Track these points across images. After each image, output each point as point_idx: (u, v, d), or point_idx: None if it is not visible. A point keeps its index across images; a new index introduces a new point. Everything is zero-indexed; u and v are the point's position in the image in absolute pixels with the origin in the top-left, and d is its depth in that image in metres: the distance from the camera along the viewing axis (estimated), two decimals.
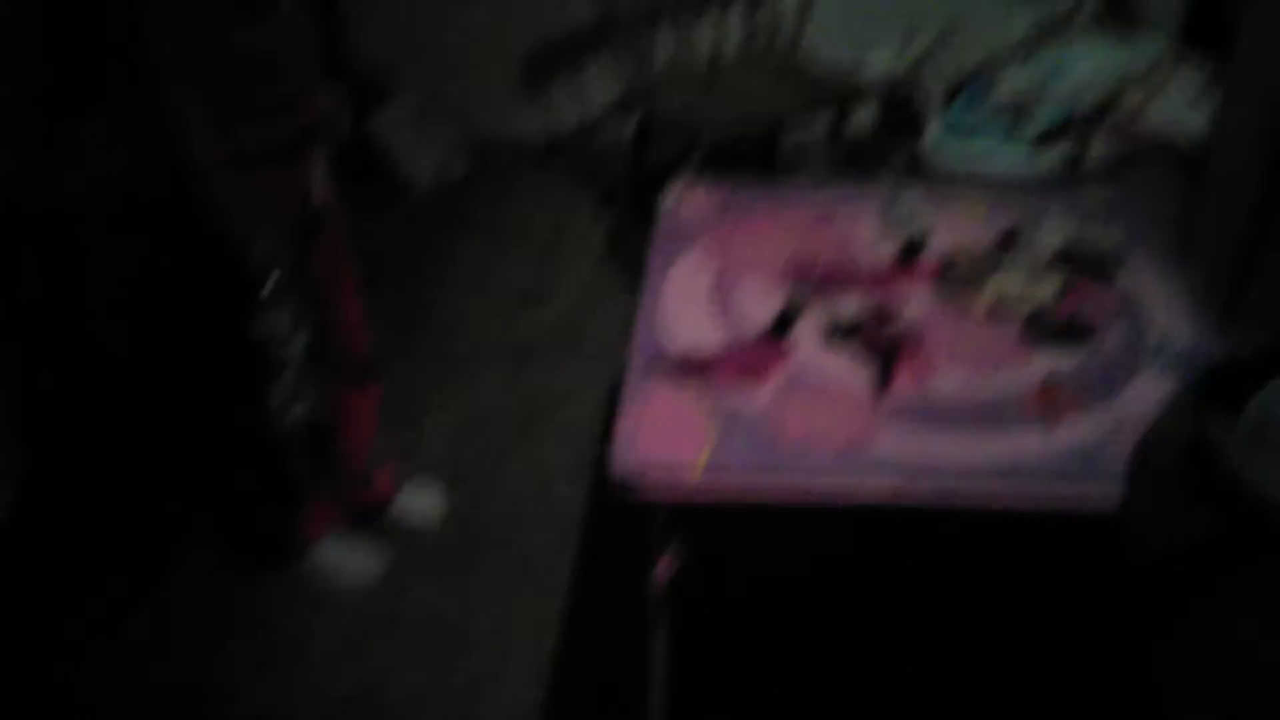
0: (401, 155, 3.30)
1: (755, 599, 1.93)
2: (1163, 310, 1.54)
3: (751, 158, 3.06)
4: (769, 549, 1.99)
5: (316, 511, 2.04)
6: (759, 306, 1.61)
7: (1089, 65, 2.24)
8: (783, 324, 1.57)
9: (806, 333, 1.55)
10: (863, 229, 1.77)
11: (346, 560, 2.06)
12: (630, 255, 2.89)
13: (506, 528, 2.17)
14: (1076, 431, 1.34)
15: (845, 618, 1.90)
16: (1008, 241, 1.70)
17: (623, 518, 2.03)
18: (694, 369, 1.49)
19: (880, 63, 2.60)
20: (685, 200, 1.91)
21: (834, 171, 2.68)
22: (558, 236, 3.08)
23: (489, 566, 2.09)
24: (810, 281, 1.65)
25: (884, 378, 1.45)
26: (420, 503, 2.19)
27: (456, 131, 3.46)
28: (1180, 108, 2.15)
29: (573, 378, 2.54)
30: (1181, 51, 2.29)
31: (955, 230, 1.75)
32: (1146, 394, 1.39)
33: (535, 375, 2.56)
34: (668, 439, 1.38)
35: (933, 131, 2.34)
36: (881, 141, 2.70)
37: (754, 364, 1.50)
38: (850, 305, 1.59)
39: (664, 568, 1.43)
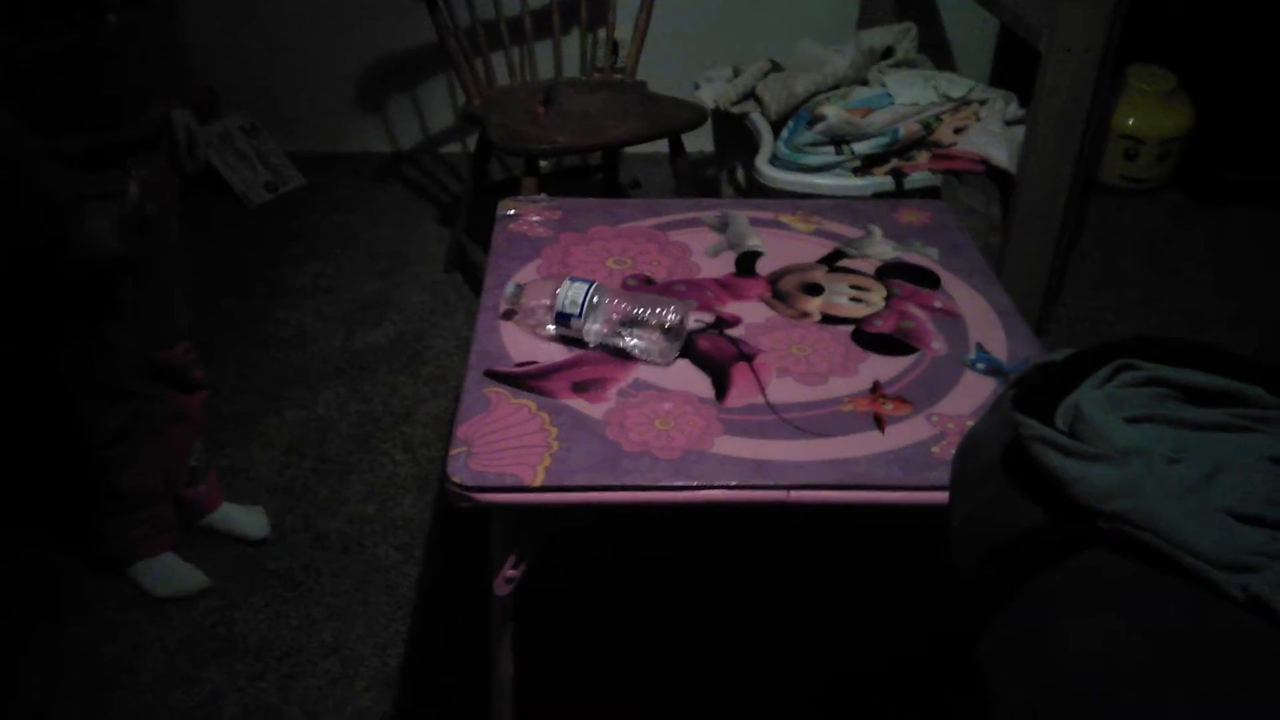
0: (230, 172, 3.20)
1: (597, 599, 1.95)
2: (979, 321, 1.64)
3: (591, 178, 3.11)
4: (611, 550, 2.02)
5: (148, 525, 1.98)
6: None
7: (903, 98, 2.37)
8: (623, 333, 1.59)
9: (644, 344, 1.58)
10: (697, 245, 1.82)
11: (172, 573, 2.01)
12: (471, 272, 2.89)
13: (346, 542, 2.12)
14: (905, 433, 1.41)
15: (688, 614, 1.94)
16: (834, 257, 1.78)
17: (468, 529, 2.03)
18: (531, 379, 1.50)
19: (713, 91, 2.68)
20: (521, 216, 1.92)
21: (673, 192, 2.74)
22: (398, 252, 3.05)
23: (328, 581, 2.04)
24: (648, 295, 1.69)
25: (721, 386, 1.49)
26: (246, 520, 2.14)
27: (289, 149, 3.38)
28: (991, 136, 2.30)
29: (412, 393, 2.51)
30: (991, 86, 2.45)
31: (785, 247, 1.82)
32: (968, 398, 1.47)
33: (374, 390, 2.52)
34: (507, 447, 1.38)
35: (762, 158, 2.43)
36: (716, 164, 2.78)
37: (593, 374, 1.52)
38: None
39: (506, 574, 1.42)
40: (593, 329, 1.55)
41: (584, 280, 1.56)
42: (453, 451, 1.37)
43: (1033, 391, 1.17)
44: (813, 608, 1.97)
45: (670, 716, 1.80)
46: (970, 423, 1.42)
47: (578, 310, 1.54)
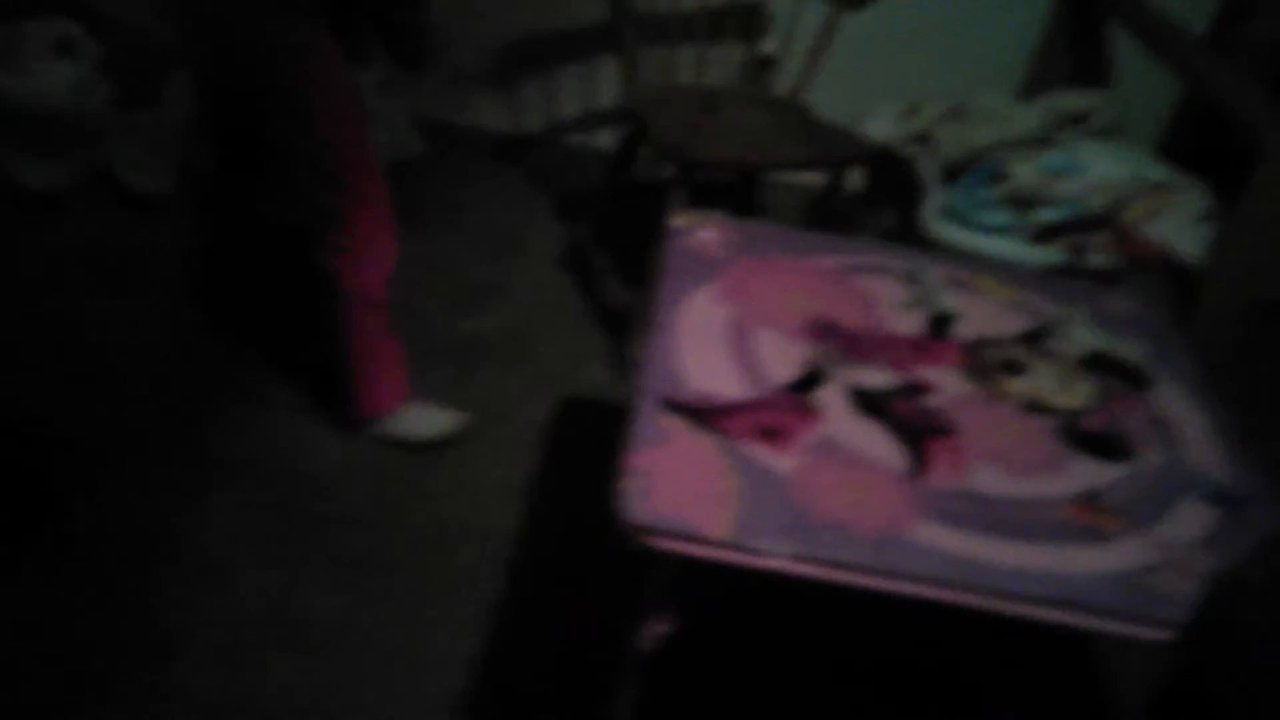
0: None
1: (737, 669, 1.80)
2: (1195, 434, 1.49)
3: (729, 196, 2.96)
4: (764, 619, 1.87)
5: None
6: (780, 361, 1.49)
7: (1097, 170, 2.22)
8: (807, 384, 1.45)
9: (832, 398, 1.44)
10: (886, 296, 1.68)
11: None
12: (588, 271, 2.75)
13: (436, 538, 1.99)
14: (1125, 553, 1.26)
15: (833, 697, 1.78)
16: (1036, 336, 1.63)
17: (559, 551, 1.90)
18: (713, 416, 1.36)
19: (881, 127, 2.53)
20: (694, 232, 1.77)
21: (815, 226, 2.59)
22: (513, 239, 2.90)
23: (407, 577, 1.91)
24: (834, 343, 1.54)
25: (918, 460, 1.35)
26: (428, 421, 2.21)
27: (413, 110, 3.25)
28: (1180, 228, 2.14)
29: (515, 393, 2.37)
30: (1184, 173, 2.29)
31: (981, 315, 1.67)
32: (1190, 525, 1.32)
33: (475, 386, 2.37)
34: (687, 488, 1.24)
35: (932, 207, 2.28)
36: (871, 205, 2.63)
37: (779, 422, 1.37)
38: (878, 375, 1.49)
39: (657, 625, 1.28)
40: None
41: None
42: (626, 482, 1.23)
43: None
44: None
45: None
46: (1197, 554, 1.28)
47: None
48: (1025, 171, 2.15)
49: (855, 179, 2.78)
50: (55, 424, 2.07)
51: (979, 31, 3.00)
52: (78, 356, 2.26)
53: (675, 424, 1.34)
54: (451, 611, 1.85)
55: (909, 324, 1.62)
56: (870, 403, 1.43)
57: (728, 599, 1.83)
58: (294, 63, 1.75)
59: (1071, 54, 2.84)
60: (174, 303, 2.43)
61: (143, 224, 2.52)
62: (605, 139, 3.23)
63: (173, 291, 2.45)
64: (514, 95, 3.31)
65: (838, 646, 1.87)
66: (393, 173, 3.18)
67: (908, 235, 2.34)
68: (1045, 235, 2.17)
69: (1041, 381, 1.52)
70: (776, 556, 1.18)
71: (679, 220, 1.78)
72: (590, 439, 2.23)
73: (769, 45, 2.87)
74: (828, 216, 2.56)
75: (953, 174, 2.34)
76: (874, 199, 2.62)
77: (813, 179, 2.88)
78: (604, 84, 3.15)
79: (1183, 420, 1.52)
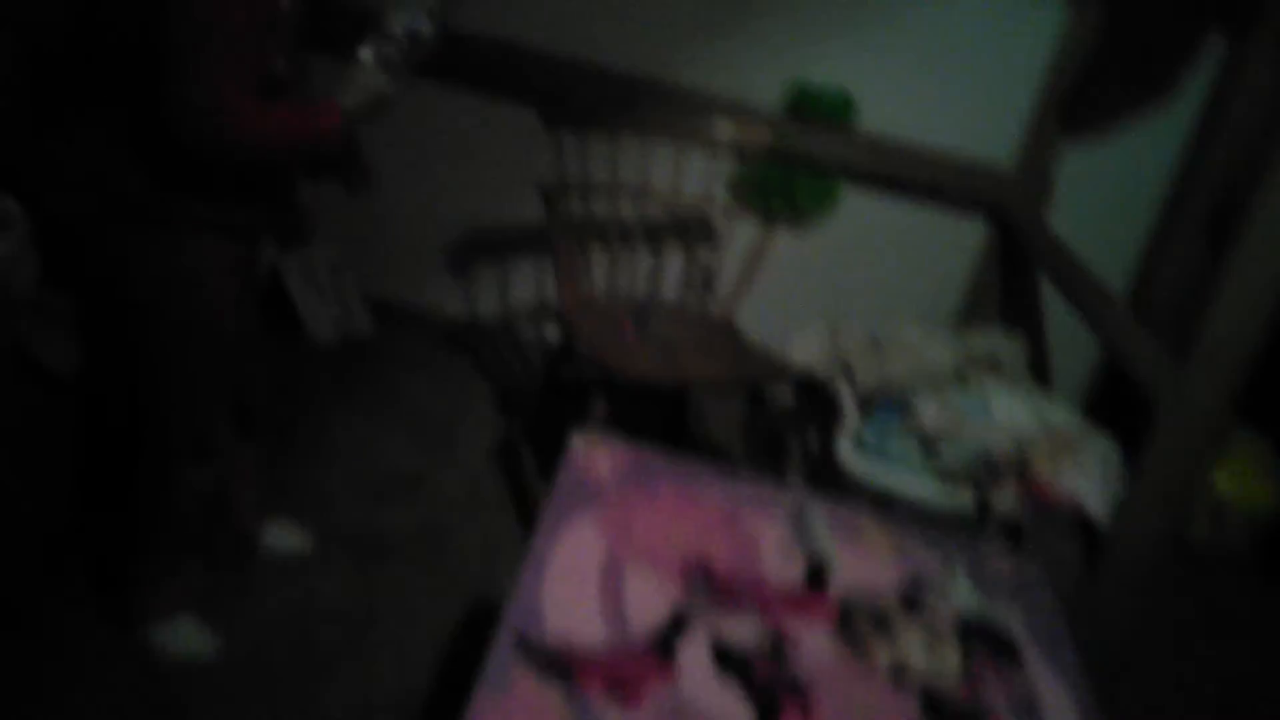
0: (304, 304, 3.14)
1: None
2: (1058, 712, 1.47)
3: (663, 409, 3.00)
4: None
5: (176, 584, 2.04)
6: (647, 603, 1.49)
7: (1007, 413, 2.26)
8: (672, 631, 1.44)
9: (693, 651, 1.42)
10: (768, 537, 1.68)
11: (186, 639, 2.04)
12: (514, 470, 2.75)
13: None
14: None
15: None
16: (912, 595, 1.63)
17: None
18: (566, 665, 1.34)
19: (806, 349, 2.59)
20: (590, 454, 1.79)
21: (742, 443, 2.62)
22: (448, 428, 2.92)
23: None
24: (707, 587, 1.54)
25: None
26: (286, 540, 2.27)
27: (364, 291, 3.32)
28: (1089, 479, 2.17)
29: (422, 594, 2.34)
30: (1095, 424, 2.33)
31: (860, 564, 1.67)
32: None
33: (382, 582, 2.34)
34: None
35: (845, 438, 2.31)
36: (798, 426, 2.67)
37: (632, 675, 1.36)
38: (744, 628, 1.48)
39: None
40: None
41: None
42: None
43: None
44: None
45: None
46: None
47: None
48: (931, 409, 2.20)
49: (787, 396, 2.83)
50: None
51: (912, 262, 3.10)
52: None
53: (523, 670, 1.32)
54: None
55: (788, 568, 1.62)
56: (730, 661, 1.41)
57: None
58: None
59: (1001, 295, 2.94)
60: (71, 480, 2.39)
61: (49, 401, 2.51)
62: (556, 332, 3.29)
63: (71, 468, 2.42)
64: (469, 280, 3.39)
65: None
66: (339, 353, 3.26)
67: (827, 461, 2.37)
68: (952, 475, 2.19)
69: (910, 647, 1.51)
70: None
71: (577, 440, 1.80)
72: None
73: (710, 258, 2.96)
74: (758, 433, 2.59)
75: (869, 403, 2.38)
76: (800, 420, 2.66)
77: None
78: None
79: (1048, 696, 1.50)
